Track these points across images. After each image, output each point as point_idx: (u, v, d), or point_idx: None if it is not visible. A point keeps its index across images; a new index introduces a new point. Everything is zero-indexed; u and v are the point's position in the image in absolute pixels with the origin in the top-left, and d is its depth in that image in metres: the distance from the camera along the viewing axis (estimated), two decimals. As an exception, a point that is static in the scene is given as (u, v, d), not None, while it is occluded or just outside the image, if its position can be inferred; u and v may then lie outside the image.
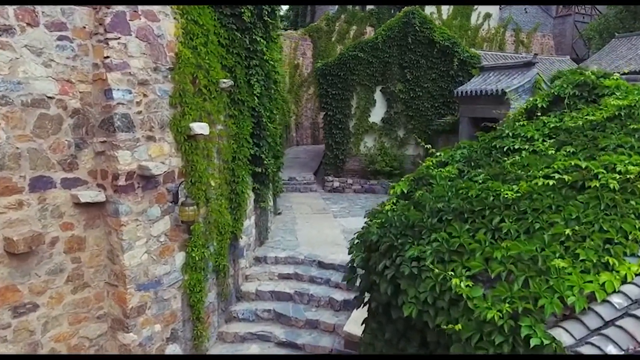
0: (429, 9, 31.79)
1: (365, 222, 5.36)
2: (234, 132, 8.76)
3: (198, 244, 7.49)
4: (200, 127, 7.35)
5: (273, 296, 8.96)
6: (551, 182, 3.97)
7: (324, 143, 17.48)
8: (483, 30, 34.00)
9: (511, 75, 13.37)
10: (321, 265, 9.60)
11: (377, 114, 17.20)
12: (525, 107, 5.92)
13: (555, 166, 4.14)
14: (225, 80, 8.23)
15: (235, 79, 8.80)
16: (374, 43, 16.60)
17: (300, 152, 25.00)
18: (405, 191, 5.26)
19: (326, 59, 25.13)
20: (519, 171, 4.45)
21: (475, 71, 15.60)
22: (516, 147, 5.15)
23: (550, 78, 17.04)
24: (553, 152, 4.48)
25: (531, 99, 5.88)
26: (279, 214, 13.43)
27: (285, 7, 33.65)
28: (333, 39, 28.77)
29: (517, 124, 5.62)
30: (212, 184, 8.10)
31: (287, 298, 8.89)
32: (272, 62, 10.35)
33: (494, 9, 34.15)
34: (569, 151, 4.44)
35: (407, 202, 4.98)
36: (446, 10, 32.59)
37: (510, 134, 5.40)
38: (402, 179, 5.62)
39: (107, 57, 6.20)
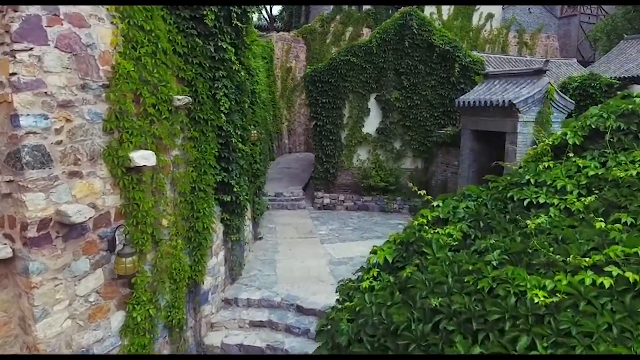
0: (429, 9, 30.40)
1: (335, 301, 3.97)
2: (194, 158, 7.38)
3: (142, 299, 6.11)
4: (143, 157, 5.96)
5: (241, 350, 7.58)
6: (606, 282, 2.58)
7: (314, 155, 16.11)
8: (485, 31, 32.60)
9: (519, 84, 11.97)
10: (300, 310, 8.23)
11: (371, 124, 15.82)
12: (551, 142, 4.52)
13: (611, 253, 2.75)
14: (180, 97, 6.85)
15: (196, 93, 7.43)
16: (367, 47, 15.21)
17: (291, 161, 23.62)
18: (391, 260, 3.87)
19: (320, 62, 23.77)
20: (551, 248, 3.07)
21: (478, 78, 14.19)
22: (541, 200, 3.77)
23: (560, 84, 15.69)
24: (601, 223, 3.08)
25: (559, 132, 4.47)
26: (260, 239, 12.05)
27: (278, 7, 32.30)
28: (328, 40, 27.40)
29: (540, 165, 4.23)
30: (164, 222, 6.73)
31: (257, 352, 7.51)
32: (245, 72, 8.97)
33: (496, 10, 32.75)
34: (627, 222, 3.05)
35: (390, 281, 3.60)
36: (447, 10, 31.19)
37: (532, 181, 4.02)
38: (388, 240, 4.23)
39: (14, 73, 4.81)
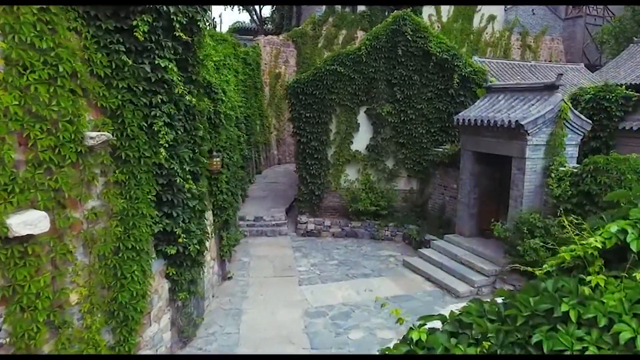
0: (427, 10, 28.85)
1: None
2: (120, 208, 5.81)
3: (30, 412, 4.55)
4: (27, 223, 4.42)
5: None
6: None
7: (298, 175, 14.53)
8: (487, 34, 31.02)
9: (527, 101, 10.39)
10: (261, 389, 6.65)
11: (361, 141, 14.24)
12: (600, 243, 2.85)
13: None
14: (94, 133, 5.29)
15: (124, 126, 5.86)
16: (356, 55, 13.62)
17: (279, 174, 22.04)
18: None
19: (312, 67, 22.21)
20: None
21: (480, 92, 12.61)
22: (586, 349, 2.20)
23: (570, 96, 14.13)
24: None
25: (613, 229, 2.82)
26: (229, 278, 10.48)
27: (270, 9, 30.66)
28: (320, 44, 25.82)
29: (584, 288, 2.59)
30: (73, 298, 5.17)
31: None
32: (200, 91, 7.41)
33: (498, 11, 31.16)
34: None
35: None
36: (446, 12, 29.61)
37: (572, 315, 2.43)
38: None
39: None
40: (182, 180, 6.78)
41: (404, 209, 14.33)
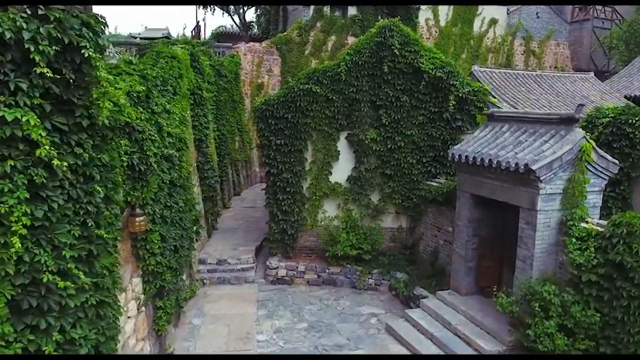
0: (424, 14, 26.85)
1: None
2: None
3: None
4: None
5: None
6: None
7: (268, 211, 12.50)
8: (488, 39, 28.98)
9: (538, 136, 8.35)
10: None
11: (341, 171, 12.22)
12: None
13: None
14: None
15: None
16: (334, 73, 11.59)
17: (259, 195, 19.83)
18: None
19: (297, 77, 20.19)
20: None
21: (480, 119, 10.60)
22: None
23: (586, 118, 12.11)
24: None
25: None
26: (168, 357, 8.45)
27: (255, 12, 28.56)
28: (307, 51, 23.82)
29: None
30: None
31: None
32: (103, 141, 5.39)
33: (500, 14, 29.12)
34: None
35: None
36: (444, 15, 27.57)
37: None
38: None
39: None
40: (53, 276, 4.76)
41: (391, 250, 12.30)
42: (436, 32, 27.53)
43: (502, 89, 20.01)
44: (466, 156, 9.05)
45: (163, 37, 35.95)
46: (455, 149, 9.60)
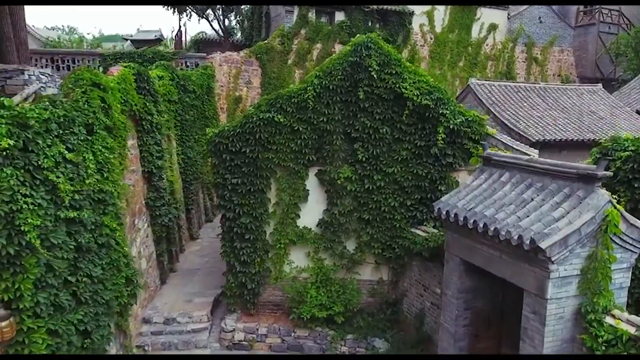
0: (418, 20, 24.91)
1: None
2: None
3: None
4: None
5: None
6: None
7: (225, 262, 10.59)
8: (487, 45, 27.04)
9: (548, 194, 6.43)
10: None
11: (310, 214, 10.32)
12: None
13: None
14: None
15: None
16: (301, 99, 9.68)
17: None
18: None
19: (280, 88, 18.28)
20: None
21: (475, 160, 8.70)
22: None
23: (600, 149, 10.21)
24: None
25: None
26: None
27: (236, 16, 26.59)
28: (289, 61, 21.90)
29: None
30: None
31: None
32: None
33: (500, 19, 27.19)
34: None
35: None
36: (440, 21, 25.63)
37: None
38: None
39: None
40: None
41: (370, 306, 10.38)
42: (431, 38, 25.61)
43: (502, 104, 18.10)
44: (455, 214, 7.13)
45: (155, 39, 34.12)
46: (442, 202, 7.67)
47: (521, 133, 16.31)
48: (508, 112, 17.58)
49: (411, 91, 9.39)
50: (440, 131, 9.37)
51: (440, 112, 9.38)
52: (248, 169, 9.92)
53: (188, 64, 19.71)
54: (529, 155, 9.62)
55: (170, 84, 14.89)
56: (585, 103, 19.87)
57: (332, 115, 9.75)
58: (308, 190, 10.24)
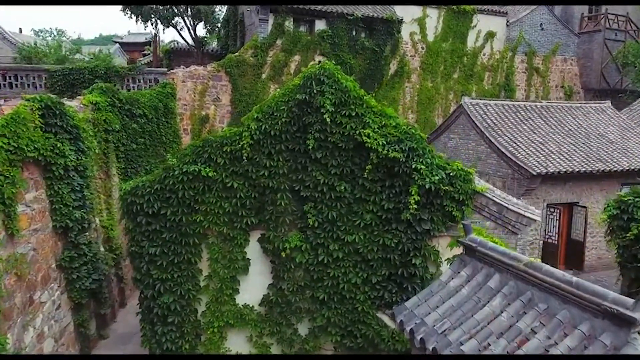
0: (409, 28, 22.73)
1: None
2: None
3: None
4: None
5: None
6: None
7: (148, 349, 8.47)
8: (484, 55, 24.86)
9: (555, 324, 4.26)
10: None
11: (253, 290, 8.15)
12: None
13: None
14: None
15: None
16: (235, 148, 7.53)
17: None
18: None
19: (253, 104, 16.13)
20: None
21: (453, 243, 6.55)
22: None
23: (614, 204, 8.21)
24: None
25: None
26: None
27: (223, 26, 24.37)
28: (264, 75, 19.75)
29: None
30: None
31: None
32: None
33: (498, 27, 25.01)
34: None
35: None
36: (433, 29, 23.44)
37: None
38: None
39: None
40: None
41: (329, 405, 8.23)
42: (423, 48, 23.44)
43: (498, 127, 15.94)
44: (422, 340, 4.96)
45: (146, 42, 31.72)
46: (407, 310, 5.50)
47: (520, 164, 14.17)
48: (506, 138, 15.44)
49: (375, 140, 7.22)
50: (414, 192, 7.20)
51: (414, 167, 7.21)
52: (170, 235, 7.77)
53: (146, 80, 17.58)
54: (530, 217, 7.51)
55: (110, 110, 12.76)
56: (592, 124, 17.72)
57: (275, 169, 7.59)
58: (249, 259, 8.08)
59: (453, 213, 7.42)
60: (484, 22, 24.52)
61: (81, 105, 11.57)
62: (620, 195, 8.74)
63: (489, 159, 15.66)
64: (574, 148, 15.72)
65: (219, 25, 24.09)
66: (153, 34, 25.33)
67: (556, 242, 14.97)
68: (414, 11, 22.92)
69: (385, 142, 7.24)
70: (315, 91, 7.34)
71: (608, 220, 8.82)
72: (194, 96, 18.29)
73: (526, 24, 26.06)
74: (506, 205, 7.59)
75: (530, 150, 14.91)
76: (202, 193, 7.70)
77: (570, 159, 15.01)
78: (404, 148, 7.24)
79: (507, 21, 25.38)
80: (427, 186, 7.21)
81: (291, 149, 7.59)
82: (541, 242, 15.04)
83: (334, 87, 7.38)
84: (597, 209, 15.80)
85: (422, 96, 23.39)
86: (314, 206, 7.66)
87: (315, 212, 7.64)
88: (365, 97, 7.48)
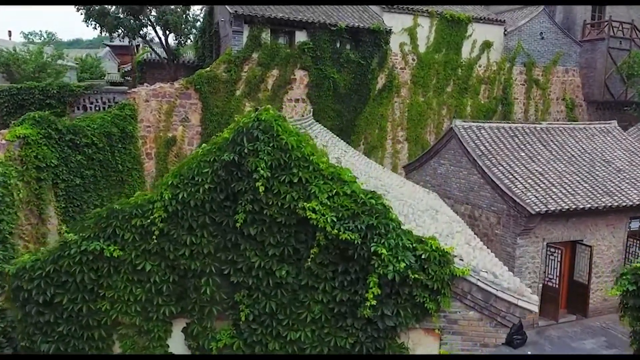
0: (398, 39, 21.03)
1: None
2: None
3: None
4: None
5: None
6: None
7: None
8: (480, 66, 23.16)
9: None
10: None
11: (176, 392, 6.50)
12: None
13: None
14: None
15: None
16: (145, 222, 5.87)
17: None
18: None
19: (226, 125, 14.51)
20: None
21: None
22: None
23: (635, 277, 6.45)
24: None
25: None
26: None
27: (197, 36, 22.74)
28: (238, 92, 18.12)
29: None
30: None
31: None
32: None
33: (495, 36, 23.32)
34: None
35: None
36: (425, 39, 21.75)
37: None
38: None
39: None
40: None
41: None
42: (414, 60, 21.75)
43: (493, 155, 14.26)
44: None
45: (136, 46, 30.22)
46: None
47: (518, 200, 12.49)
48: (501, 167, 13.76)
49: (322, 215, 5.54)
50: (372, 284, 5.53)
51: (373, 250, 5.54)
52: (69, 328, 6.11)
53: (104, 99, 15.95)
54: (525, 307, 5.88)
55: (45, 143, 11.12)
56: (597, 148, 16.04)
57: (198, 247, 5.93)
58: (171, 353, 6.43)
59: (425, 305, 5.77)
60: (480, 32, 22.83)
61: (3, 142, 9.93)
62: (636, 266, 7.09)
63: (482, 191, 14.00)
64: (578, 178, 14.05)
65: (192, 36, 22.43)
66: (132, 43, 23.76)
67: (557, 285, 13.30)
68: (405, 20, 21.23)
69: (335, 219, 5.57)
70: (246, 150, 5.68)
71: (620, 296, 7.19)
72: (159, 116, 16.62)
73: (525, 32, 24.35)
74: (495, 292, 5.96)
75: (529, 184, 13.23)
76: (108, 276, 6.04)
77: (573, 192, 13.33)
78: (359, 227, 5.56)
79: (505, 30, 23.67)
80: (389, 276, 5.54)
81: (218, 223, 5.92)
82: (540, 285, 13.38)
83: (271, 145, 5.71)
84: (603, 247, 14.15)
85: (412, 112, 21.69)
86: (248, 294, 5.99)
87: (250, 302, 5.97)
88: (312, 158, 5.80)
